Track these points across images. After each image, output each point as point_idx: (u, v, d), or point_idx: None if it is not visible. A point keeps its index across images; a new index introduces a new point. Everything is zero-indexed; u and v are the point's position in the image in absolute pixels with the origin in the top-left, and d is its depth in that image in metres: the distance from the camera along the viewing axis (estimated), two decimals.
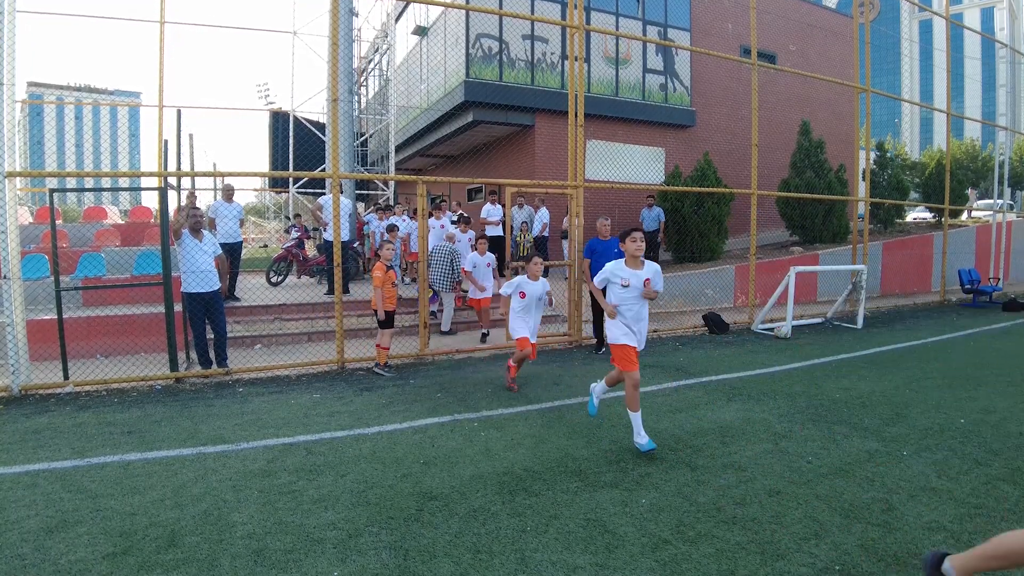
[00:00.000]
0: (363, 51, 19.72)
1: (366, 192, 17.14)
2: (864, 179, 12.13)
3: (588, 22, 11.82)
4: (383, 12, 17.73)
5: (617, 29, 14.25)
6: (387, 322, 6.61)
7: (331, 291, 9.89)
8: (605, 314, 4.32)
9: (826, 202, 13.73)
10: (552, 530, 3.02)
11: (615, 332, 4.24)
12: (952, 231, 14.33)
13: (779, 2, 17.43)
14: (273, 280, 10.84)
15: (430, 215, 10.09)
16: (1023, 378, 6.21)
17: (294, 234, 12.02)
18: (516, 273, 6.76)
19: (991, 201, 20.56)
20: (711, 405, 5.28)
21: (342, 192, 8.32)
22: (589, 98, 12.12)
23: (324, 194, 10.66)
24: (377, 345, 6.71)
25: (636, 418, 4.07)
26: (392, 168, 14.72)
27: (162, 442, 4.37)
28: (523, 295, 6.05)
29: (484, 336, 8.36)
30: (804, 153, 14.39)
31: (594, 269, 7.17)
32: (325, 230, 10.11)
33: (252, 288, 9.99)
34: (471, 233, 9.89)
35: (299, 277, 11.61)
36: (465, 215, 10.72)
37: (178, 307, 6.54)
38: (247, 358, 7.23)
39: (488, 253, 8.32)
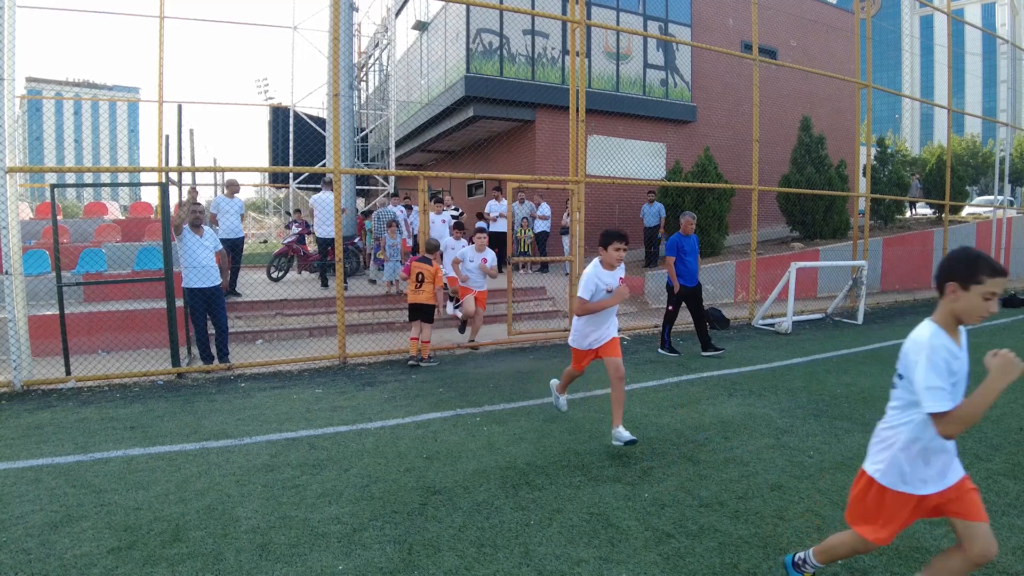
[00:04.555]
0: (363, 46, 19.66)
1: (366, 188, 17.10)
2: (865, 175, 12.12)
3: (589, 17, 11.78)
4: (383, 7, 17.68)
5: (618, 24, 14.21)
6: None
7: (324, 284, 10.00)
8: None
9: (827, 198, 13.71)
10: (556, 524, 3.03)
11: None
12: (952, 227, 14.32)
13: None
14: (274, 275, 10.84)
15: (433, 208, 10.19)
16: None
17: (295, 229, 12.02)
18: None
19: (991, 197, 20.55)
20: (712, 400, 5.29)
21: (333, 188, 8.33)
22: (590, 93, 12.08)
23: (321, 190, 10.66)
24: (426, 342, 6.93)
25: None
26: (392, 163, 14.72)
27: (165, 437, 4.38)
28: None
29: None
30: (805, 149, 14.36)
31: (678, 267, 7.34)
32: (317, 227, 10.16)
33: (253, 283, 9.99)
34: (447, 215, 10.15)
35: (300, 272, 11.61)
36: (439, 196, 10.92)
37: (179, 302, 6.54)
38: (248, 353, 7.24)
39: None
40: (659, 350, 7.45)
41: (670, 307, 7.41)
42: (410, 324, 6.89)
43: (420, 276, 6.72)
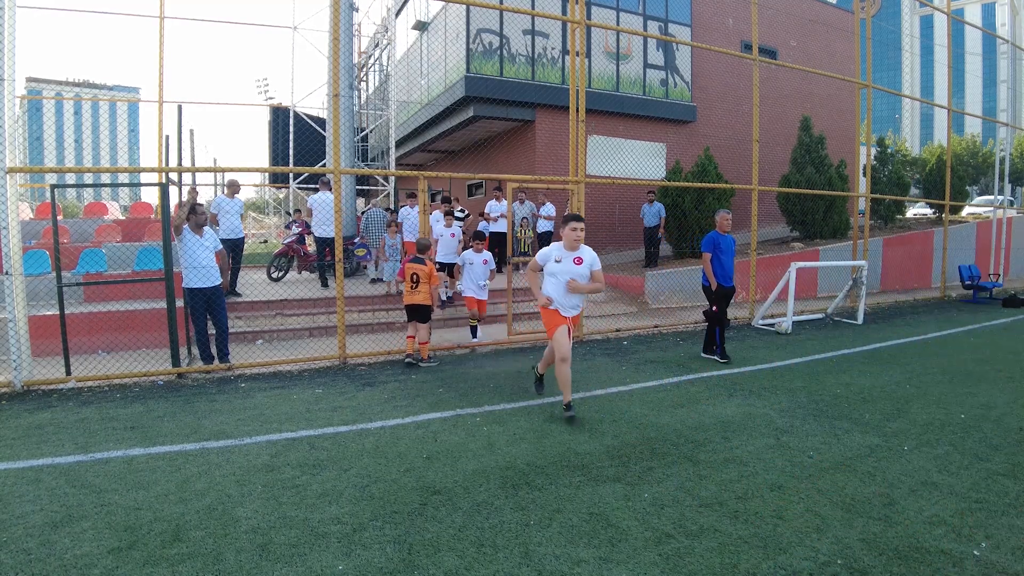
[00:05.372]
0: (363, 46, 19.66)
1: (366, 188, 17.10)
2: (865, 175, 12.12)
3: (589, 17, 11.78)
4: (383, 7, 17.69)
5: (618, 24, 14.21)
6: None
7: (324, 284, 10.01)
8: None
9: (827, 198, 13.71)
10: (555, 524, 3.03)
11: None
12: (952, 227, 14.33)
13: None
14: (274, 276, 10.84)
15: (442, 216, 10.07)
16: (1023, 374, 6.23)
17: (295, 229, 12.02)
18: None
19: (991, 197, 20.55)
20: (712, 400, 5.29)
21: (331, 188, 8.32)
22: (590, 93, 12.09)
23: (319, 190, 10.68)
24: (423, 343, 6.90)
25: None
26: (393, 163, 14.70)
27: (165, 437, 4.38)
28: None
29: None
30: (805, 149, 14.36)
31: (715, 265, 6.92)
32: (315, 227, 10.18)
33: (253, 283, 10.00)
34: (456, 228, 9.43)
35: (300, 272, 11.61)
36: (448, 199, 10.84)
37: (179, 302, 6.55)
38: (249, 353, 7.25)
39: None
40: (702, 353, 7.13)
41: (713, 308, 6.99)
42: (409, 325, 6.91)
43: (415, 277, 6.72)
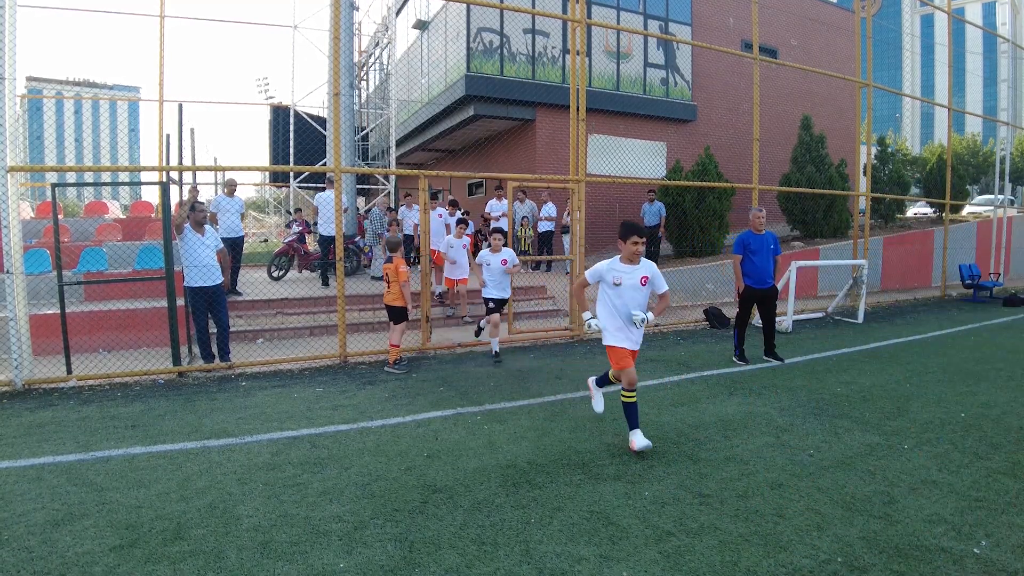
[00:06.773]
0: (363, 45, 19.65)
1: (367, 187, 17.11)
2: (865, 174, 12.12)
3: (589, 16, 11.77)
4: (383, 6, 17.68)
5: (618, 23, 14.20)
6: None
7: (325, 283, 10.00)
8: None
9: (827, 197, 13.71)
10: (556, 522, 3.04)
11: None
12: (953, 226, 14.32)
13: None
14: (275, 275, 10.85)
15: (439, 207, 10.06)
16: (1023, 373, 6.23)
17: (295, 228, 12.02)
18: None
19: (992, 196, 20.56)
20: (712, 399, 5.30)
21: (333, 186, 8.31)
22: (590, 92, 12.07)
23: (324, 189, 10.69)
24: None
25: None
26: (393, 162, 14.70)
27: (166, 436, 4.39)
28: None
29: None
30: (805, 148, 14.36)
31: (746, 267, 6.71)
32: (321, 225, 10.19)
33: (254, 283, 10.01)
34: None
35: (300, 271, 11.62)
36: (453, 200, 10.94)
37: (180, 301, 6.55)
38: (249, 352, 7.25)
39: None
40: (732, 358, 6.87)
41: (738, 310, 6.91)
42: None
43: (386, 276, 6.64)
